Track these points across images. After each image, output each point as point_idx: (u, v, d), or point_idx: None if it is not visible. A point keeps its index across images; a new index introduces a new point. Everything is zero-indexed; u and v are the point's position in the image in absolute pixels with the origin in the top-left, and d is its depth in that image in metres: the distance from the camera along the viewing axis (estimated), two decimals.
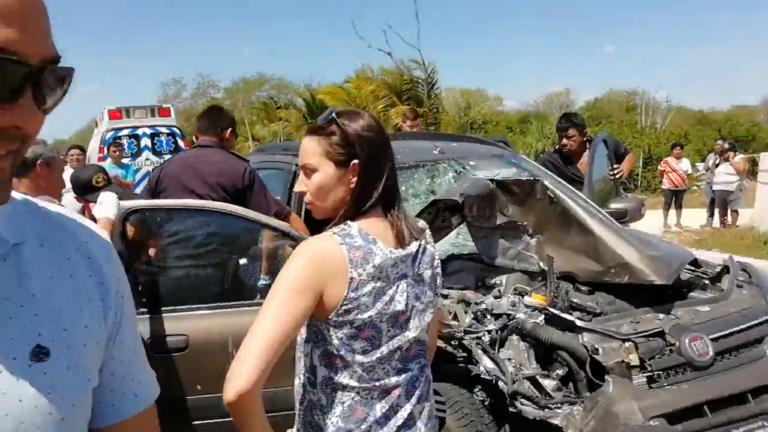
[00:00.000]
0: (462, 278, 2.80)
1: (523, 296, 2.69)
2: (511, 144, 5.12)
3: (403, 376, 1.36)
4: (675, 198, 11.07)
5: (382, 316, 1.30)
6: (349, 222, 1.33)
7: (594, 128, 23.87)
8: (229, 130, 3.24)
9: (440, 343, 2.58)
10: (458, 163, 3.44)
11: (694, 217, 11.53)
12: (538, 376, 2.36)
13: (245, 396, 1.13)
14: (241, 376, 1.14)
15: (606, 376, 2.25)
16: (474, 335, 2.49)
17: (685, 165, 11.22)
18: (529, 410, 2.27)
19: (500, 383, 2.34)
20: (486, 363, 2.42)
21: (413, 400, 1.37)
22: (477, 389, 2.54)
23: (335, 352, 1.31)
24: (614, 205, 3.71)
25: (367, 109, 22.29)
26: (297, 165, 3.79)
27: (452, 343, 2.52)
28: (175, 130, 13.27)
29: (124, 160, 12.71)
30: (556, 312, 2.45)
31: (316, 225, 3.88)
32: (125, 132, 12.61)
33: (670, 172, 10.89)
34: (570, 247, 2.68)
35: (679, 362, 2.32)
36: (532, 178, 2.73)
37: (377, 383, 1.33)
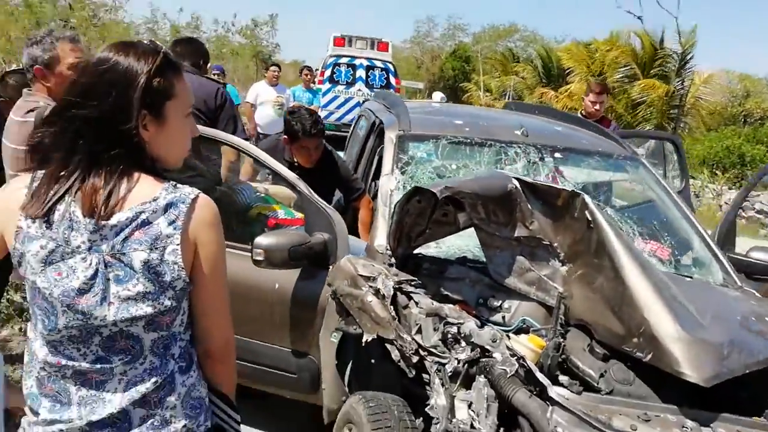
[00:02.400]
0: (461, 289, 2.26)
1: (518, 333, 2.10)
2: (682, 147, 4.04)
3: (100, 366, 1.11)
4: None
5: (53, 288, 1.07)
6: None
7: None
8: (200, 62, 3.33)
9: (395, 355, 2.14)
10: (538, 150, 2.77)
11: None
12: None
13: None
14: None
15: None
16: (437, 360, 2.01)
17: None
18: None
19: (437, 426, 1.88)
20: (439, 399, 1.95)
21: (127, 400, 1.12)
22: (419, 420, 2.10)
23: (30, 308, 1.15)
24: (755, 255, 2.70)
25: (605, 77, 20.20)
26: (378, 118, 3.43)
27: (411, 360, 2.07)
28: (390, 66, 13.51)
29: (338, 87, 13.43)
30: (533, 368, 1.84)
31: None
32: (344, 60, 13.22)
33: None
34: (598, 290, 1.97)
35: None
36: (571, 189, 2.02)
37: (68, 362, 1.11)
